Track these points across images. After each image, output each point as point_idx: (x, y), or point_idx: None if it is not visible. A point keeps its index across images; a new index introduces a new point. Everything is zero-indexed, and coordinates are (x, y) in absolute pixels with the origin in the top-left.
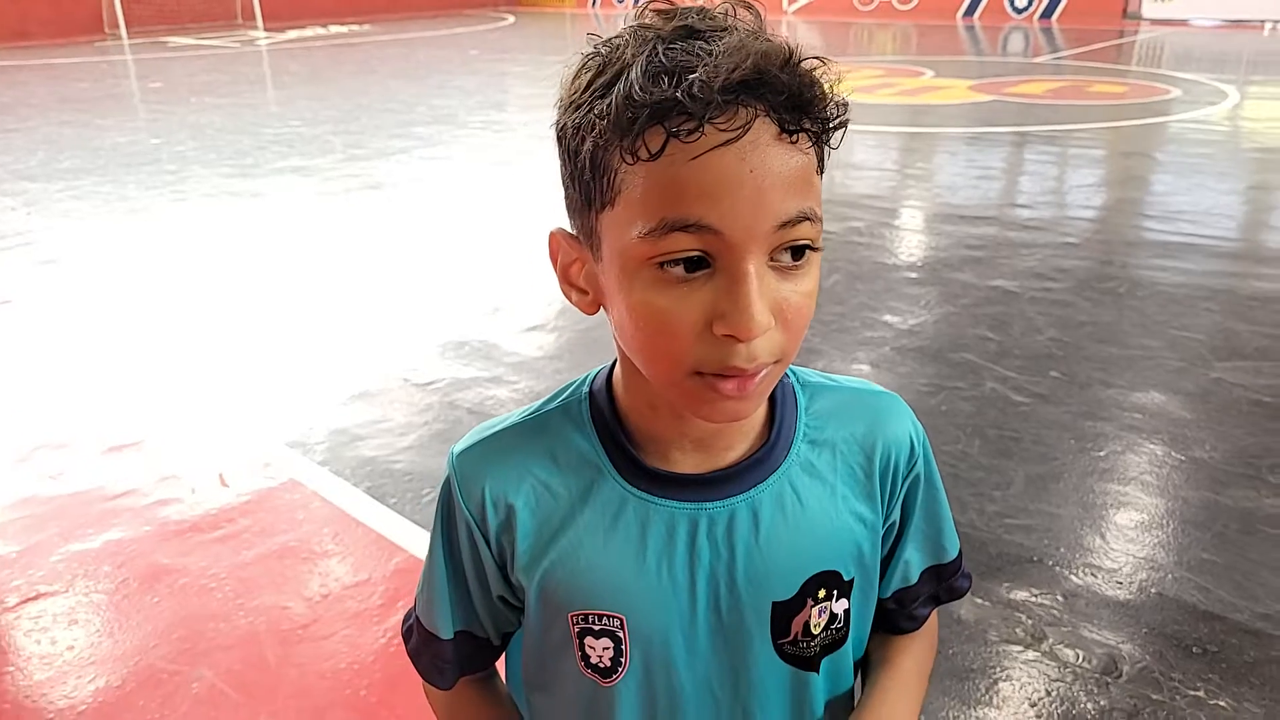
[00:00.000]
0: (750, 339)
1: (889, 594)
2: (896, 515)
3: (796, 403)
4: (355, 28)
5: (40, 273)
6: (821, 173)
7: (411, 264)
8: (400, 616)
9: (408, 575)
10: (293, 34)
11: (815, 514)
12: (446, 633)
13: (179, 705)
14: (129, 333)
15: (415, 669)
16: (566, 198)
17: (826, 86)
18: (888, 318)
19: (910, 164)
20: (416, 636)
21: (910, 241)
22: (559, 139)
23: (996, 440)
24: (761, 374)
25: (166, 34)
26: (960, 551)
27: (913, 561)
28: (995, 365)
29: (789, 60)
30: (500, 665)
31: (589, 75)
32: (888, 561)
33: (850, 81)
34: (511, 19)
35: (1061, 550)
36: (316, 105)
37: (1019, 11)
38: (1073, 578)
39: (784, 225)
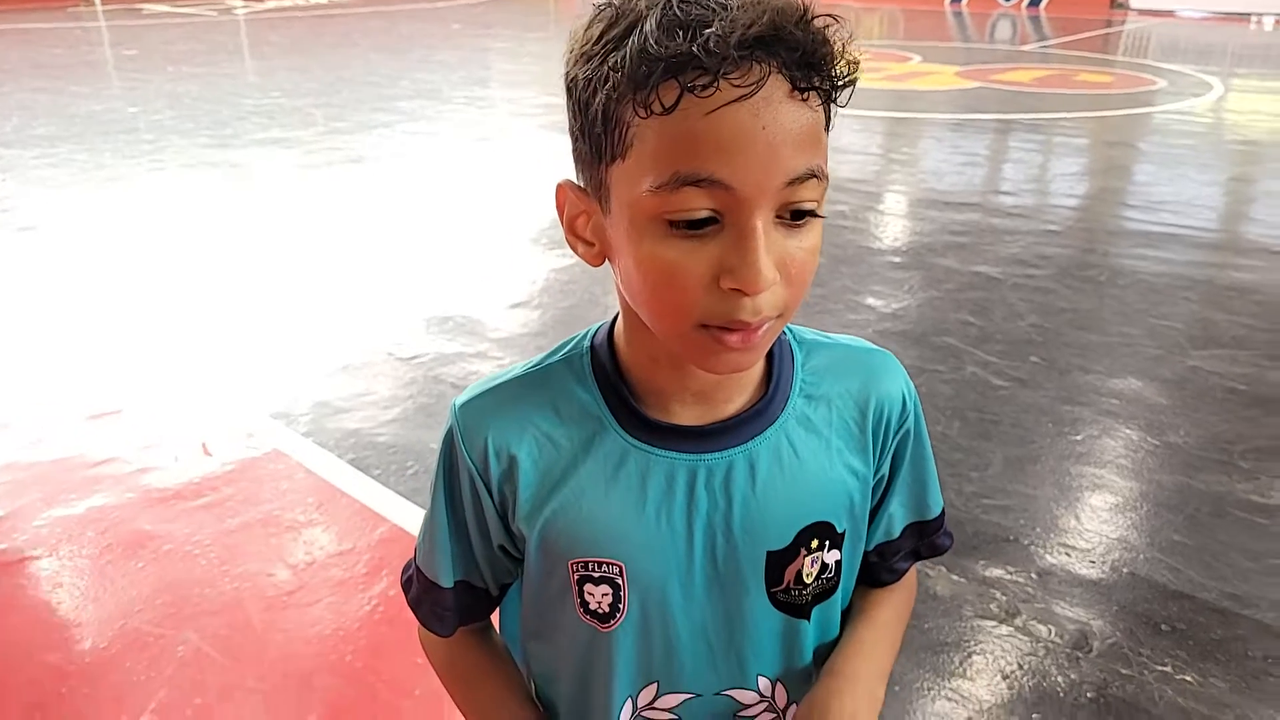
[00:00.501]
0: (757, 294)
1: (872, 547)
2: (886, 469)
3: (794, 358)
4: None
5: (18, 240)
6: (828, 130)
7: (395, 239)
8: (384, 585)
9: (392, 545)
10: (271, 3)
11: (810, 466)
12: (447, 581)
13: (165, 667)
14: (109, 301)
15: (415, 616)
16: (575, 150)
17: (838, 45)
18: (870, 301)
19: (895, 149)
20: (417, 585)
21: (894, 226)
22: (569, 90)
23: (976, 423)
24: (765, 327)
25: (141, 1)
26: (943, 510)
27: (896, 516)
28: (976, 350)
29: (803, 17)
30: (495, 622)
31: (601, 26)
32: (873, 515)
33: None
34: None
35: (1037, 530)
36: (297, 77)
37: None
38: (1047, 556)
39: (793, 182)
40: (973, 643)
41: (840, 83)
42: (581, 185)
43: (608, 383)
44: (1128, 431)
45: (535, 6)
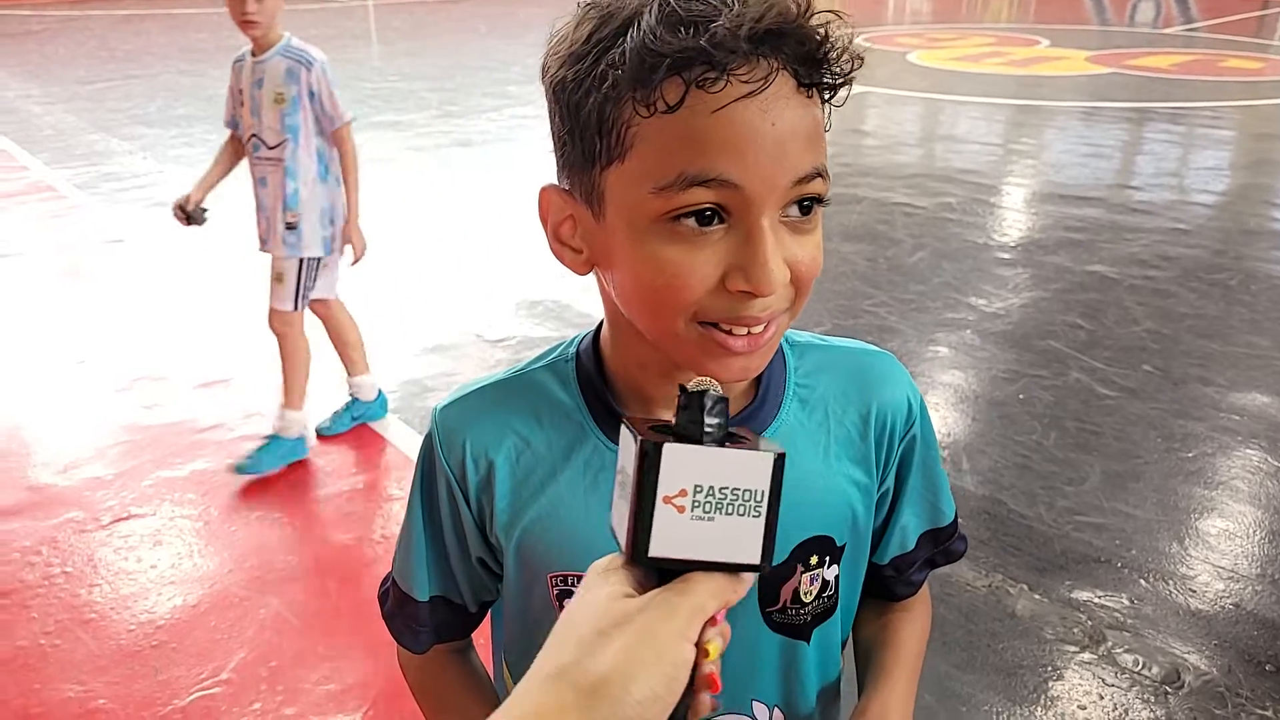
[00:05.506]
0: (768, 295)
1: (886, 561)
2: (891, 481)
3: (785, 362)
4: None
5: (151, 214)
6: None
7: (493, 221)
8: None
9: None
10: None
11: (805, 477)
12: (422, 595)
13: (246, 629)
14: (228, 276)
15: (389, 631)
16: (561, 154)
17: (840, 42)
18: (972, 299)
19: (1015, 138)
20: (392, 598)
21: (1005, 220)
22: (555, 94)
23: (1075, 433)
24: (772, 329)
25: None
26: (956, 515)
27: (910, 526)
28: (1083, 355)
29: (806, 11)
30: (488, 654)
31: (590, 25)
32: (884, 528)
33: (958, 49)
34: None
35: (1133, 552)
36: (416, 61)
37: None
38: (1142, 581)
39: (800, 181)
40: (1050, 668)
41: (840, 80)
42: (568, 189)
43: (591, 388)
44: (1247, 451)
45: None
